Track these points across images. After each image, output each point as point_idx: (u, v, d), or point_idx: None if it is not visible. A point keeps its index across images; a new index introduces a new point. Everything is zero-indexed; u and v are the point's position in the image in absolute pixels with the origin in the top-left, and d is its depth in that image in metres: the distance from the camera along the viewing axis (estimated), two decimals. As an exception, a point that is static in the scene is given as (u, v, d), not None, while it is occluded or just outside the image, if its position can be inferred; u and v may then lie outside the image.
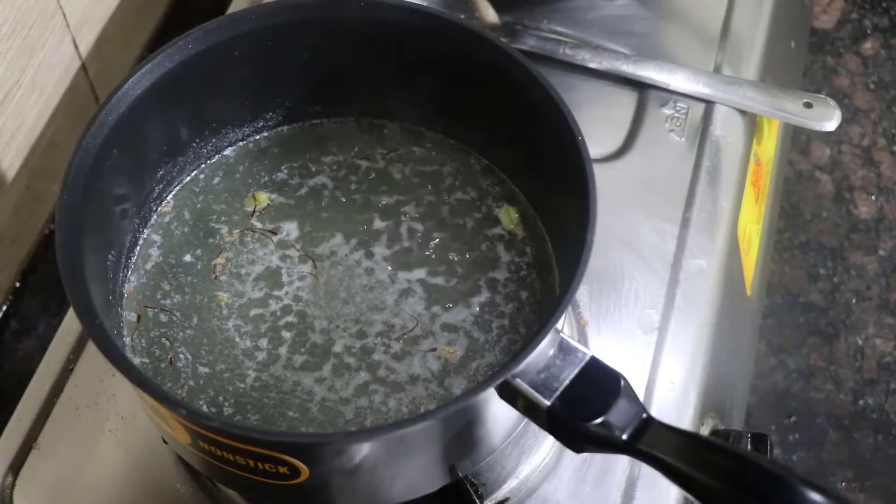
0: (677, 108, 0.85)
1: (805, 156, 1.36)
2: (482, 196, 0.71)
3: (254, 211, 0.71)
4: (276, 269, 0.69)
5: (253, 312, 0.67)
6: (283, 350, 0.65)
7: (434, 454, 0.61)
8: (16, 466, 0.73)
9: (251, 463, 0.57)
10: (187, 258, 0.69)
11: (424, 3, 0.74)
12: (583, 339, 0.75)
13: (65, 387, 0.75)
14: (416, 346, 0.65)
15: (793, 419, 1.21)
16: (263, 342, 0.66)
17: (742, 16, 0.91)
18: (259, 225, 0.70)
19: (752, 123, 0.87)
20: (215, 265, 0.69)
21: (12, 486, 0.72)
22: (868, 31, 1.43)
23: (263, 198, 0.71)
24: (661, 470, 0.55)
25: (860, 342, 1.25)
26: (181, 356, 0.65)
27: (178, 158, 0.71)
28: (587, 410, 0.56)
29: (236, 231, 0.70)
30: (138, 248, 0.69)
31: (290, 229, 0.70)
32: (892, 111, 1.38)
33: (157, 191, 0.70)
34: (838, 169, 1.36)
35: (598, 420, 0.55)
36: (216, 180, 0.72)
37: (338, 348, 0.65)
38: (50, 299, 0.89)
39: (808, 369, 1.24)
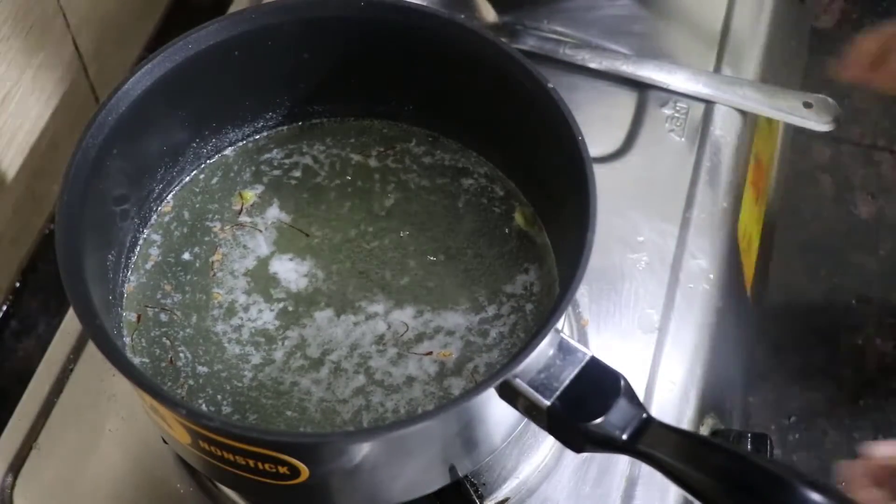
0: (677, 108, 0.85)
1: (805, 156, 1.35)
2: (481, 196, 0.71)
3: (240, 208, 0.71)
4: (274, 269, 0.69)
5: (251, 313, 0.67)
6: (281, 350, 0.65)
7: (434, 454, 0.61)
8: (16, 466, 0.73)
9: (251, 463, 0.57)
10: (186, 257, 0.69)
11: (424, 3, 0.74)
12: (583, 339, 0.75)
13: (65, 387, 0.75)
14: (413, 350, 0.65)
15: (793, 419, 1.21)
16: (261, 341, 0.66)
17: (742, 16, 0.91)
18: (260, 223, 0.70)
19: (752, 123, 0.87)
20: (213, 262, 0.69)
21: (12, 486, 0.72)
22: (868, 32, 1.42)
23: (249, 195, 0.71)
24: (661, 470, 0.55)
25: (860, 342, 1.25)
26: (181, 355, 0.65)
27: (179, 158, 0.71)
28: (587, 410, 0.56)
29: (228, 227, 0.70)
30: (138, 247, 0.69)
31: (289, 228, 0.70)
32: (892, 111, 1.38)
33: (157, 191, 0.70)
34: (838, 169, 1.35)
35: (598, 420, 0.55)
36: (215, 180, 0.72)
37: (334, 357, 0.65)
38: (50, 299, 0.89)
39: (808, 369, 1.24)
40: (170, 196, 0.71)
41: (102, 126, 0.63)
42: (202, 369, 0.65)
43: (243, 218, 0.70)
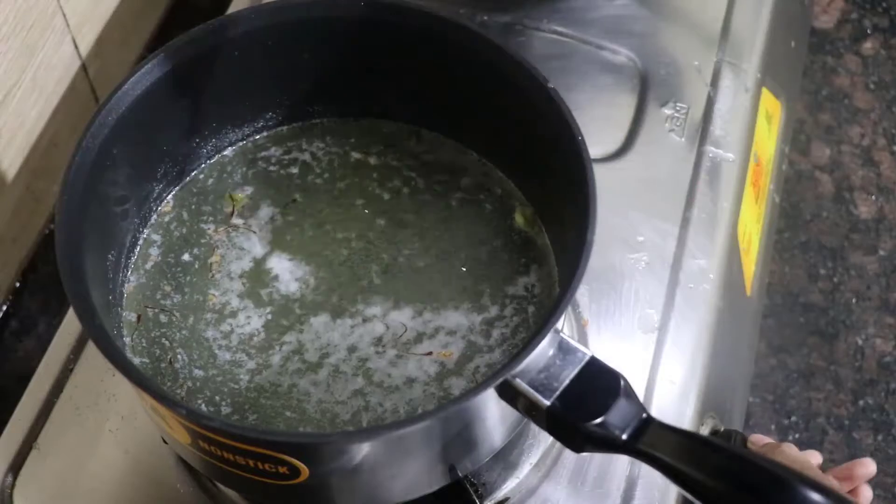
0: (677, 108, 0.85)
1: (805, 156, 1.36)
2: (481, 195, 0.71)
3: (232, 210, 0.71)
4: (269, 271, 0.68)
5: (240, 318, 0.67)
6: (278, 354, 0.65)
7: (434, 454, 0.61)
8: (16, 466, 0.73)
9: (251, 463, 0.57)
10: (186, 258, 0.69)
11: (424, 3, 0.74)
12: (583, 339, 0.75)
13: (65, 387, 0.75)
14: (412, 350, 0.65)
15: (793, 419, 1.21)
16: (255, 347, 0.66)
17: (742, 16, 0.91)
18: (254, 224, 0.70)
19: (752, 124, 0.87)
20: (212, 263, 0.69)
21: (12, 486, 0.72)
22: (868, 31, 1.42)
23: (241, 197, 0.71)
24: (661, 470, 0.55)
25: (860, 342, 1.25)
26: (179, 357, 0.65)
27: (178, 158, 0.71)
28: (587, 410, 0.56)
29: (222, 229, 0.70)
30: (138, 247, 0.69)
31: (287, 228, 0.70)
32: (892, 111, 1.38)
33: (157, 191, 0.70)
34: (838, 169, 1.35)
35: (598, 420, 0.55)
36: (213, 181, 0.72)
37: (332, 360, 0.65)
38: (50, 299, 0.89)
39: (808, 369, 1.24)
40: (170, 196, 0.71)
41: (102, 126, 0.63)
42: (198, 372, 0.65)
43: (236, 220, 0.70)
